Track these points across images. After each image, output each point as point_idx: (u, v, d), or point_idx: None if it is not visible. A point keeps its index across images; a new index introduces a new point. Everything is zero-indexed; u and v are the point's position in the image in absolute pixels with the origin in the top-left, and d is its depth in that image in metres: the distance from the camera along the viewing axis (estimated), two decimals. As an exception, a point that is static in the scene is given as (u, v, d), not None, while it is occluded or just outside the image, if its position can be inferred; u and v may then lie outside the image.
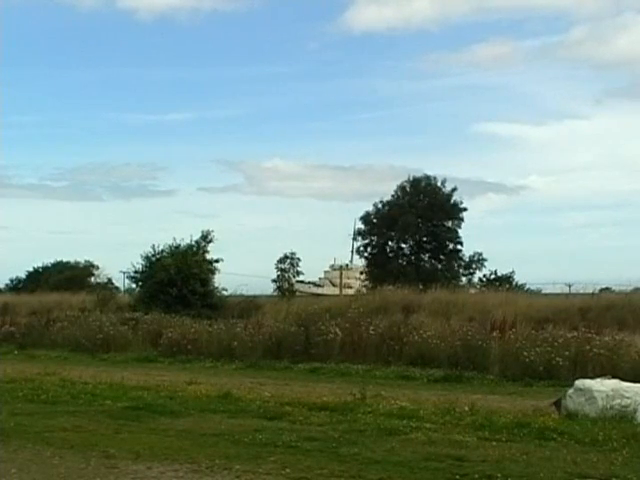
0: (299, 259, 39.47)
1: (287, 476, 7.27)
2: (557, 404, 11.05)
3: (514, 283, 41.71)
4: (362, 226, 55.89)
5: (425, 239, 50.03)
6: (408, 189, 59.24)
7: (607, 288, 33.13)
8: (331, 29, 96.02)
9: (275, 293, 36.35)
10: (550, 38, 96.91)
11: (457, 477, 7.12)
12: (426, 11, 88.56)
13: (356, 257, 54.50)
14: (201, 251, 32.29)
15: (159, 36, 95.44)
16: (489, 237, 76.21)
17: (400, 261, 48.55)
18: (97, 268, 53.08)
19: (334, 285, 55.18)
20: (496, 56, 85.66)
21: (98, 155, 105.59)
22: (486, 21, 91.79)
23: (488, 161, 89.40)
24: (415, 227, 49.83)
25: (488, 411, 10.74)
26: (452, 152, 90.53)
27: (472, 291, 29.99)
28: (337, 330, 20.32)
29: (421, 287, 30.16)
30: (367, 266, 48.37)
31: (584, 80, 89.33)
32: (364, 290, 38.01)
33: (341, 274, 35.52)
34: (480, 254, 47.79)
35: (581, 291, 30.03)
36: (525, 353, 16.53)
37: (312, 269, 62.12)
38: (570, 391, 10.93)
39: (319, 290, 46.83)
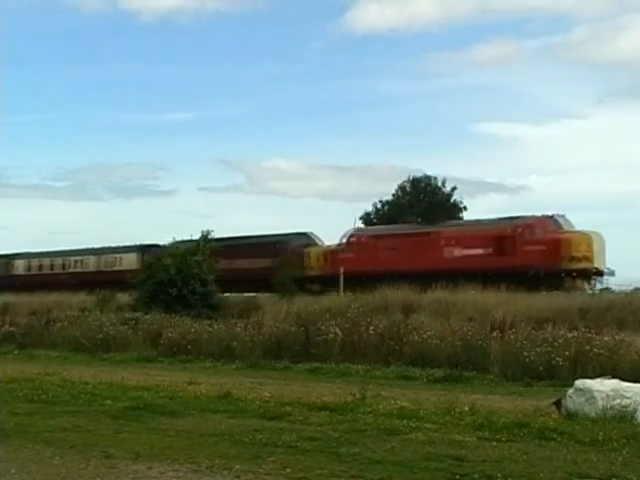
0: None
1: (287, 476, 7.27)
2: (557, 404, 11.04)
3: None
4: (362, 226, 55.92)
5: (425, 239, 49.87)
6: (408, 189, 59.32)
7: (607, 288, 33.10)
8: (333, 29, 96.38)
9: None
10: (551, 38, 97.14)
11: (457, 477, 7.12)
12: (428, 11, 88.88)
13: (356, 257, 54.45)
14: (201, 251, 32.33)
15: (161, 37, 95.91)
16: (489, 237, 75.96)
17: (400, 261, 48.46)
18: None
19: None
20: (497, 56, 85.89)
21: (99, 155, 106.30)
22: (488, 21, 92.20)
23: (489, 161, 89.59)
24: (415, 227, 49.76)
25: (488, 411, 10.73)
26: (453, 152, 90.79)
27: (472, 291, 29.88)
28: (337, 330, 20.31)
29: (421, 287, 30.09)
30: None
31: (585, 80, 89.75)
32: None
33: (341, 274, 35.34)
34: (480, 254, 47.70)
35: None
36: (525, 353, 16.53)
37: (312, 269, 61.79)
38: (570, 391, 10.92)
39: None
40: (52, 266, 55.24)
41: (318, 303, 27.37)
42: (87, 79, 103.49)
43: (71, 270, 52.88)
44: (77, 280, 48.70)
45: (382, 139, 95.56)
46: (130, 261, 47.44)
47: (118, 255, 50.22)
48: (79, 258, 53.46)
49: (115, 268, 48.83)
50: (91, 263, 52.42)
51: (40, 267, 55.85)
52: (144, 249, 47.56)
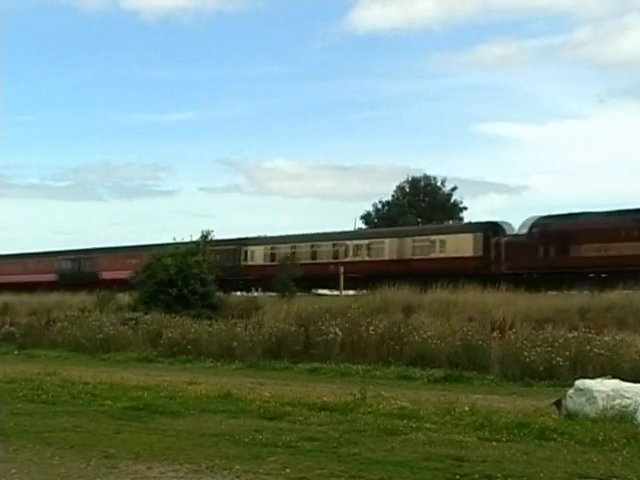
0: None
1: (287, 476, 7.27)
2: (557, 404, 11.04)
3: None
4: (363, 226, 55.98)
5: (425, 239, 49.90)
6: (407, 189, 59.42)
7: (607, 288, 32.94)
8: (334, 29, 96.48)
9: (275, 293, 36.27)
10: (553, 38, 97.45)
11: (457, 477, 7.11)
12: (430, 11, 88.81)
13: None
14: (201, 251, 32.34)
15: (162, 37, 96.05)
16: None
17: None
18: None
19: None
20: (499, 56, 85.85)
21: (100, 155, 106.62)
22: (490, 21, 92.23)
23: (490, 161, 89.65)
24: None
25: (488, 411, 10.73)
26: (454, 152, 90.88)
27: (472, 291, 29.84)
28: (337, 330, 20.32)
29: (421, 287, 30.15)
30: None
31: (587, 80, 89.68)
32: (364, 290, 37.78)
33: (341, 274, 34.94)
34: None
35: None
36: (525, 353, 16.52)
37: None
38: (570, 391, 10.92)
39: (319, 290, 45.96)
40: (314, 254, 41.77)
41: (318, 303, 27.38)
42: (87, 79, 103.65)
43: (349, 259, 39.50)
44: (360, 272, 37.32)
45: (383, 139, 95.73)
46: (463, 245, 36.18)
47: (438, 237, 37.75)
48: (362, 242, 40.45)
49: (432, 255, 36.94)
50: (386, 249, 39.06)
51: (293, 256, 42.03)
52: (486, 229, 36.38)
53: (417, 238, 38.36)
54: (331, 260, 40.11)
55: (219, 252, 43.22)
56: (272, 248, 43.40)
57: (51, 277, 51.43)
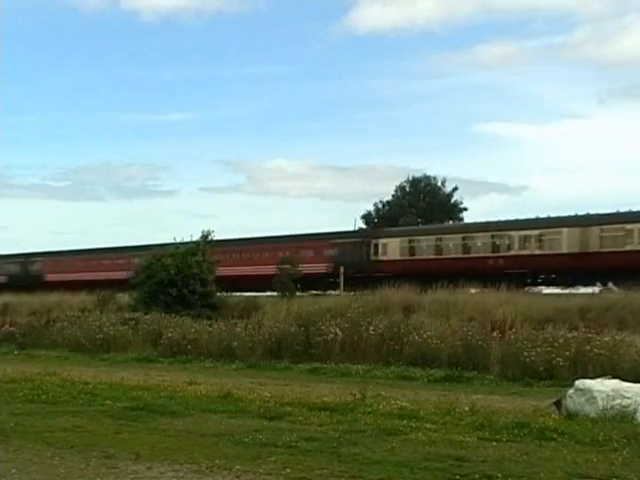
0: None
1: (287, 476, 7.27)
2: (557, 404, 11.04)
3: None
4: (364, 225, 56.01)
5: (426, 239, 49.80)
6: (408, 189, 59.47)
7: (607, 288, 32.88)
8: (334, 29, 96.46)
9: (275, 293, 36.28)
10: (554, 38, 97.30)
11: (457, 477, 7.11)
12: (430, 11, 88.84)
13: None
14: (201, 251, 32.34)
15: (162, 37, 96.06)
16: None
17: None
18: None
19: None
20: (500, 56, 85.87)
21: (100, 155, 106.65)
22: (490, 21, 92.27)
23: (491, 161, 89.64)
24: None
25: (488, 411, 10.73)
26: (455, 152, 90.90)
27: (472, 291, 29.78)
28: (337, 330, 20.32)
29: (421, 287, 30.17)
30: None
31: (587, 80, 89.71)
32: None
33: (342, 273, 34.71)
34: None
35: (582, 291, 29.76)
36: (525, 353, 16.53)
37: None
38: (570, 391, 10.92)
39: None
40: (466, 247, 36.99)
41: (318, 303, 27.38)
42: (87, 79, 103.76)
43: (513, 252, 34.94)
44: (528, 267, 33.27)
45: (383, 139, 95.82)
46: None
47: (636, 225, 31.62)
48: (532, 232, 34.87)
49: (627, 248, 31.33)
50: (564, 240, 33.59)
51: (438, 248, 37.72)
52: None
53: (606, 227, 32.30)
54: (489, 254, 35.57)
55: (339, 245, 39.43)
56: (410, 241, 38.88)
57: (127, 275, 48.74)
